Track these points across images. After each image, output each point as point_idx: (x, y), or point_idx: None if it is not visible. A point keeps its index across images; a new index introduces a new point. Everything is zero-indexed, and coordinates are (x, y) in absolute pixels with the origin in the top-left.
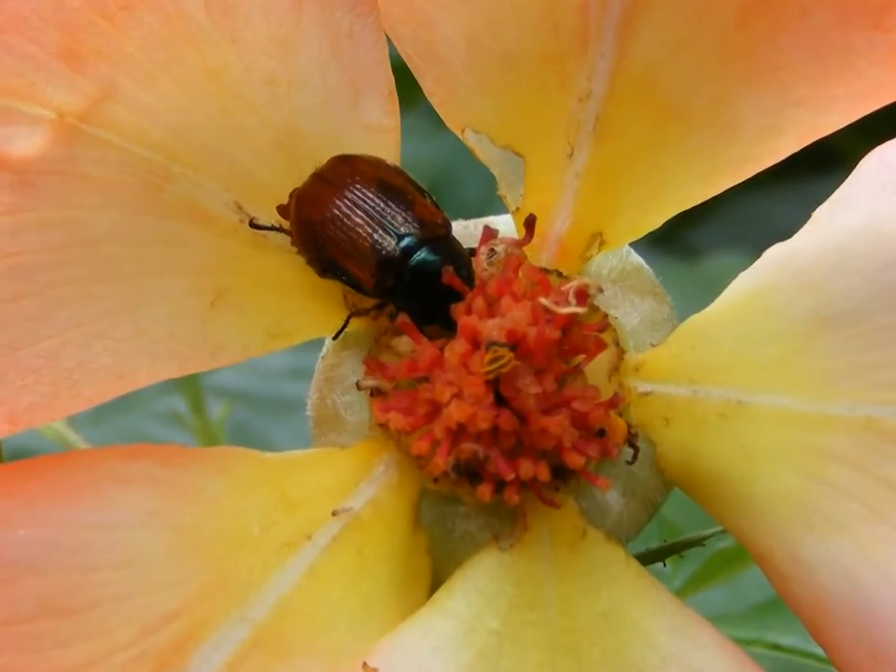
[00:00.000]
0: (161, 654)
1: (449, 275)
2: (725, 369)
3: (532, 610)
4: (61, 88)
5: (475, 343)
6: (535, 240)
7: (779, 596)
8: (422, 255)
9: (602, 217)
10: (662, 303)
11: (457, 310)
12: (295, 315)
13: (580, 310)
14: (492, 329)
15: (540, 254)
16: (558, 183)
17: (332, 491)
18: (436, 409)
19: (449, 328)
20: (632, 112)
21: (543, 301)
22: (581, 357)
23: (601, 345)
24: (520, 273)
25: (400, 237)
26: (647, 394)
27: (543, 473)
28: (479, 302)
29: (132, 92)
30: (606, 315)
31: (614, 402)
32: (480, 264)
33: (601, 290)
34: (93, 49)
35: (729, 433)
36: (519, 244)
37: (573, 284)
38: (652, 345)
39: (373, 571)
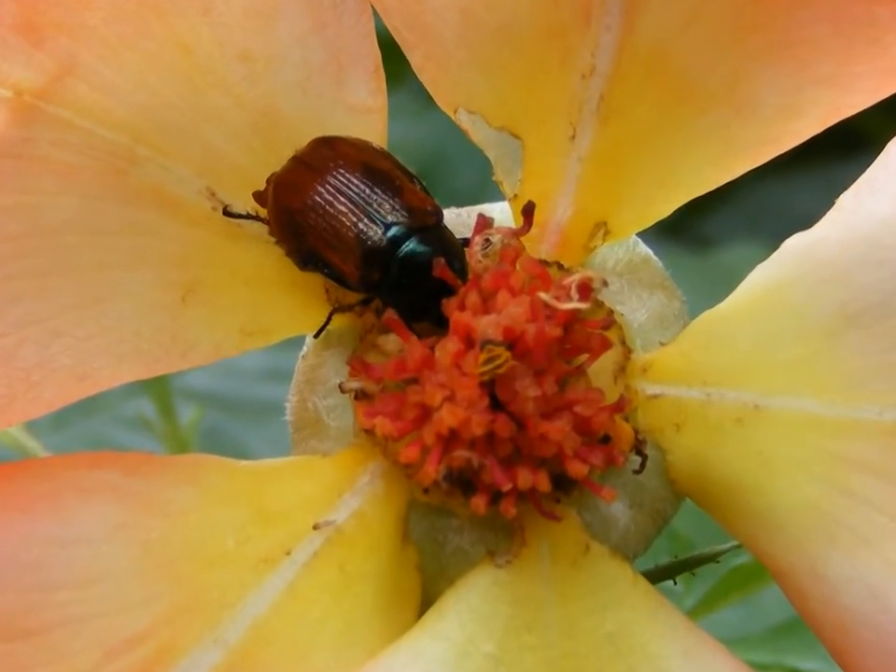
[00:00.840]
0: None
1: (440, 268)
2: (741, 369)
3: (531, 633)
4: (17, 63)
5: (469, 342)
6: (534, 229)
7: (800, 617)
8: (411, 245)
9: (607, 204)
10: (672, 298)
11: (449, 305)
12: (272, 312)
13: (582, 305)
14: (487, 326)
15: (540, 245)
16: (559, 167)
17: (313, 503)
18: (426, 413)
19: (440, 325)
20: (639, 90)
21: (543, 295)
22: (584, 356)
23: (606, 344)
24: (517, 266)
25: (387, 226)
26: (656, 397)
27: (543, 483)
28: (473, 297)
29: (94, 68)
30: (611, 311)
31: (620, 406)
32: (474, 256)
33: (606, 284)
34: (53, 20)
35: (745, 440)
36: (516, 233)
37: (575, 277)
38: (662, 344)
39: (357, 590)
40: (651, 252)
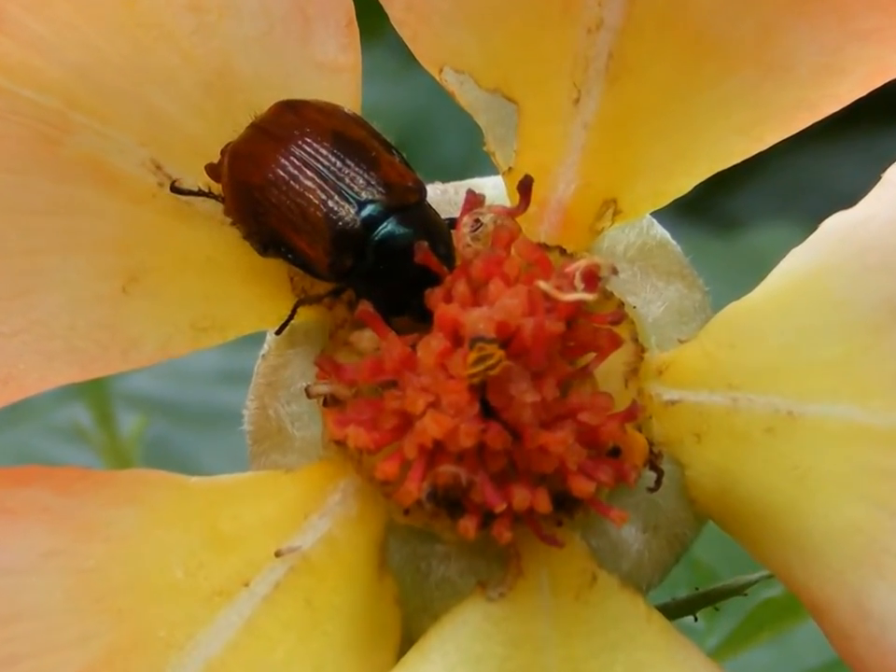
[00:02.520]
0: None
1: (423, 253)
2: (773, 371)
3: None
4: None
5: (456, 339)
6: (531, 208)
7: (841, 659)
8: (388, 227)
9: (617, 178)
10: (692, 288)
11: (434, 297)
12: (228, 304)
13: (588, 296)
14: (477, 320)
15: (539, 226)
16: (561, 136)
17: (275, 526)
18: (406, 422)
19: (423, 319)
20: (654, 46)
21: (542, 285)
22: (591, 356)
23: (615, 342)
24: (512, 251)
25: (361, 204)
26: (673, 403)
27: (542, 503)
28: (461, 287)
29: (21, 21)
30: (621, 304)
31: (632, 413)
32: (462, 239)
33: (615, 272)
34: None
35: (778, 452)
36: (511, 213)
37: (580, 264)
38: (680, 341)
39: (327, 627)
40: (667, 234)
